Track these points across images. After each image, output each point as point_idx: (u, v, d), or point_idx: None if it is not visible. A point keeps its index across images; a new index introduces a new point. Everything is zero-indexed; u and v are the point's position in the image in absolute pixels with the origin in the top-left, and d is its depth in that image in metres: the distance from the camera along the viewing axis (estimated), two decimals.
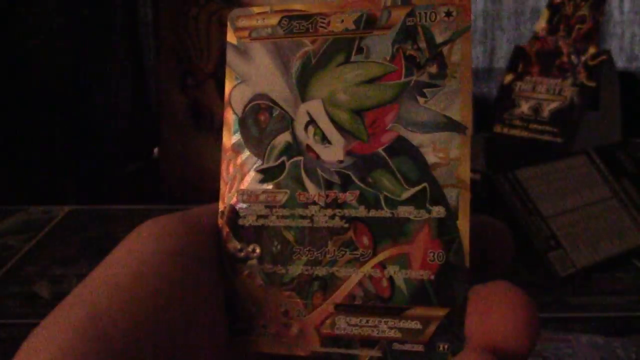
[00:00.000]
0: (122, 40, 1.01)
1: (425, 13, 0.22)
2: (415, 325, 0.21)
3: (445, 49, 0.22)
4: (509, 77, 0.85)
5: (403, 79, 0.22)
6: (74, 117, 0.97)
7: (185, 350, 0.20)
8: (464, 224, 0.21)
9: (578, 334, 0.52)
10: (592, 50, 0.79)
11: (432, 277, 0.21)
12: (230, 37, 0.25)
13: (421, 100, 0.22)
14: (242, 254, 0.24)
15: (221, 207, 0.24)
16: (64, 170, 0.97)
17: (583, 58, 0.79)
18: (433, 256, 0.21)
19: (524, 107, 0.82)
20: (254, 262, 0.23)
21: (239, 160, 0.24)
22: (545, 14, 0.85)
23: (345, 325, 0.22)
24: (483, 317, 0.19)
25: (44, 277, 0.65)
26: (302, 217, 0.23)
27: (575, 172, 0.71)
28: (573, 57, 0.80)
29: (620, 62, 1.11)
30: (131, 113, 1.03)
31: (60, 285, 0.64)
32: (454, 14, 0.22)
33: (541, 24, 0.85)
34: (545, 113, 0.80)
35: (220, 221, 0.24)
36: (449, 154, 0.21)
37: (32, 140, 0.95)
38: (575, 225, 0.66)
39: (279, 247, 0.23)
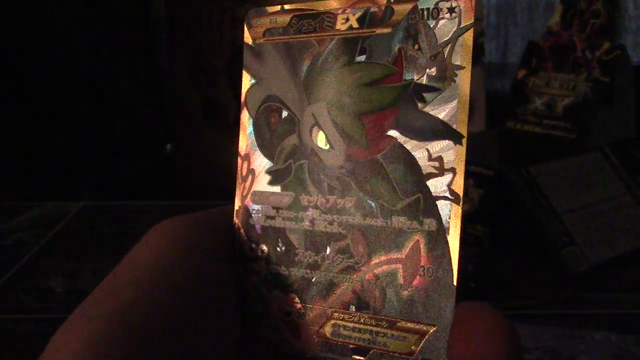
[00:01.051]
0: (136, 37, 1.02)
1: (428, 9, 0.21)
2: (404, 339, 0.21)
3: (446, 49, 0.21)
4: (522, 73, 0.85)
5: (403, 82, 0.22)
6: (88, 113, 0.98)
7: (202, 340, 0.21)
8: (454, 240, 0.21)
9: (591, 331, 0.52)
10: (606, 45, 0.78)
11: (422, 291, 0.21)
12: (247, 38, 0.25)
13: (420, 104, 0.21)
14: (253, 254, 0.24)
15: (236, 206, 0.25)
16: (78, 167, 0.98)
17: (597, 53, 0.78)
18: (423, 271, 0.21)
19: (538, 103, 0.81)
20: (262, 262, 0.24)
21: (252, 161, 0.25)
22: (559, 8, 0.84)
23: (339, 331, 0.22)
24: (465, 340, 0.19)
25: (58, 272, 0.66)
26: (304, 220, 0.23)
27: (589, 168, 0.70)
28: (587, 52, 0.79)
29: (635, 57, 1.10)
30: (145, 110, 1.03)
31: (75, 281, 0.64)
32: (457, 10, 0.21)
33: (555, 19, 0.84)
34: (559, 109, 0.79)
35: (235, 220, 0.24)
36: (443, 165, 0.21)
37: (47, 137, 0.96)
38: (589, 221, 0.65)
39: (283, 248, 0.23)
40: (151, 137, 1.04)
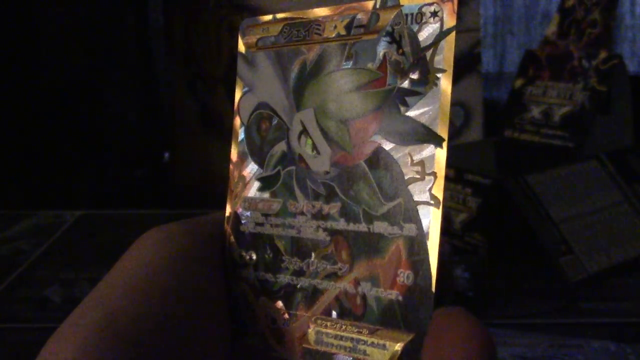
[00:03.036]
0: (133, 45, 1.02)
1: (412, 14, 0.21)
2: (382, 347, 0.21)
3: (428, 53, 0.21)
4: (519, 82, 0.85)
5: (387, 86, 0.22)
6: (85, 122, 0.98)
7: (193, 347, 0.21)
8: (433, 245, 0.20)
9: (589, 340, 0.51)
10: (603, 54, 0.78)
11: (401, 298, 0.21)
12: (240, 47, 0.25)
13: (402, 109, 0.21)
14: (242, 260, 0.24)
15: (227, 213, 0.25)
16: (74, 175, 0.98)
17: (594, 62, 0.79)
18: (403, 277, 0.21)
19: (535, 112, 0.82)
20: (251, 268, 0.24)
21: (243, 168, 0.25)
22: (556, 18, 0.85)
23: (322, 339, 0.22)
24: (438, 347, 0.19)
25: (55, 282, 0.66)
26: (291, 227, 0.23)
27: (587, 176, 0.70)
28: (584, 61, 0.80)
29: (632, 67, 1.11)
30: (142, 118, 1.03)
31: (71, 290, 0.64)
32: (440, 14, 0.21)
33: (552, 28, 0.84)
34: (556, 117, 0.79)
35: (225, 227, 0.25)
36: (425, 169, 0.21)
37: (43, 145, 0.96)
38: (586, 230, 0.65)
39: (271, 255, 0.24)
40: (148, 145, 1.04)
